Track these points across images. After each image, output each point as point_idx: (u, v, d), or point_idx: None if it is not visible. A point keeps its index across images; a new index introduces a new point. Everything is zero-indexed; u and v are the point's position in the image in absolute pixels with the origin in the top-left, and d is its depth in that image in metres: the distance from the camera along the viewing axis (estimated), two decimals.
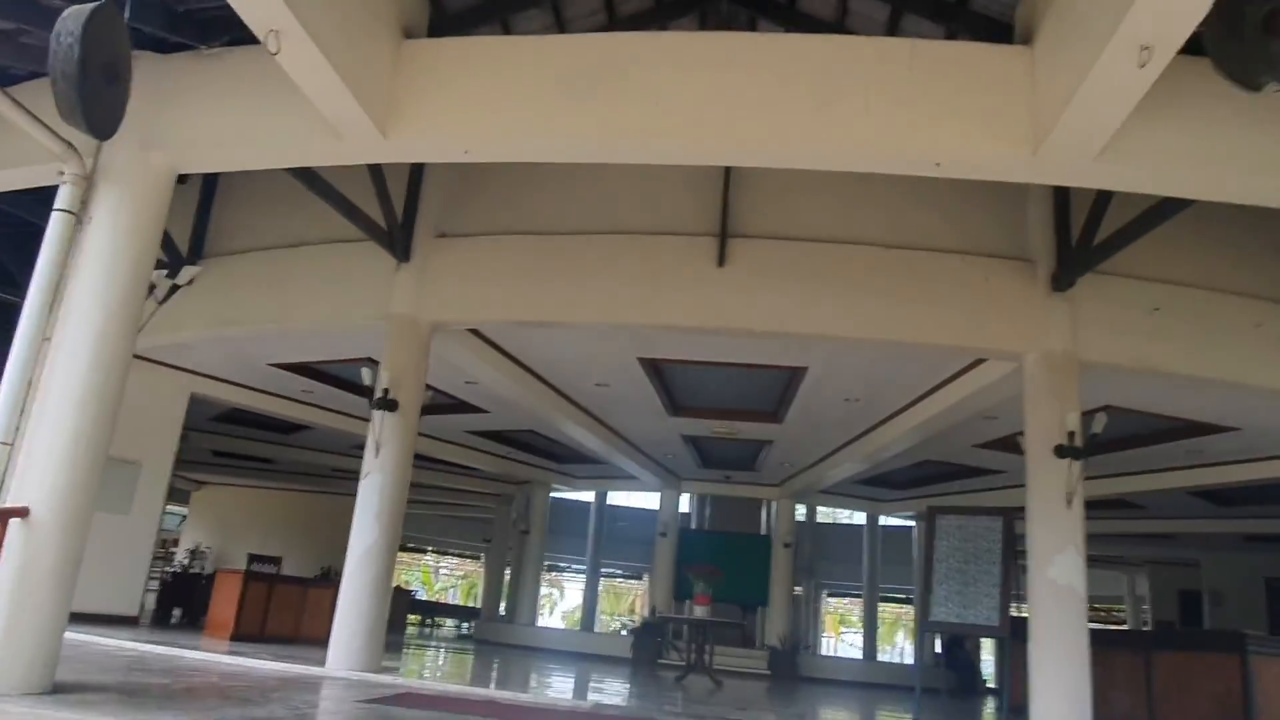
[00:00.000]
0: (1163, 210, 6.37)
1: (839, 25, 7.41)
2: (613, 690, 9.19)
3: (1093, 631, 7.05)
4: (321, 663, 7.26)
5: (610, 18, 7.71)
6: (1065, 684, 6.59)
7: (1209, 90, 3.91)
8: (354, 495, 7.65)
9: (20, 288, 5.71)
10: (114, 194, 5.14)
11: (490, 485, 19.34)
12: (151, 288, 5.80)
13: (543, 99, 5.14)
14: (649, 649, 14.85)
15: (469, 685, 7.13)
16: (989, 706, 12.81)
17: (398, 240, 7.99)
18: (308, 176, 7.02)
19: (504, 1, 6.65)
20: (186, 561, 19.36)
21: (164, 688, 5.24)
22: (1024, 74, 4.79)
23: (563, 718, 6.04)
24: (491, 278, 8.04)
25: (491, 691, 6.87)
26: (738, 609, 16.45)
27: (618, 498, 22.75)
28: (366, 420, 7.78)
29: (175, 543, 22.30)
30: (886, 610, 24.54)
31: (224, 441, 16.37)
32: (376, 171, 7.36)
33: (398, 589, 23.47)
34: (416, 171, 8.31)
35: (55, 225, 4.90)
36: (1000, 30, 5.41)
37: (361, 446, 7.91)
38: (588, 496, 20.64)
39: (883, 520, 19.13)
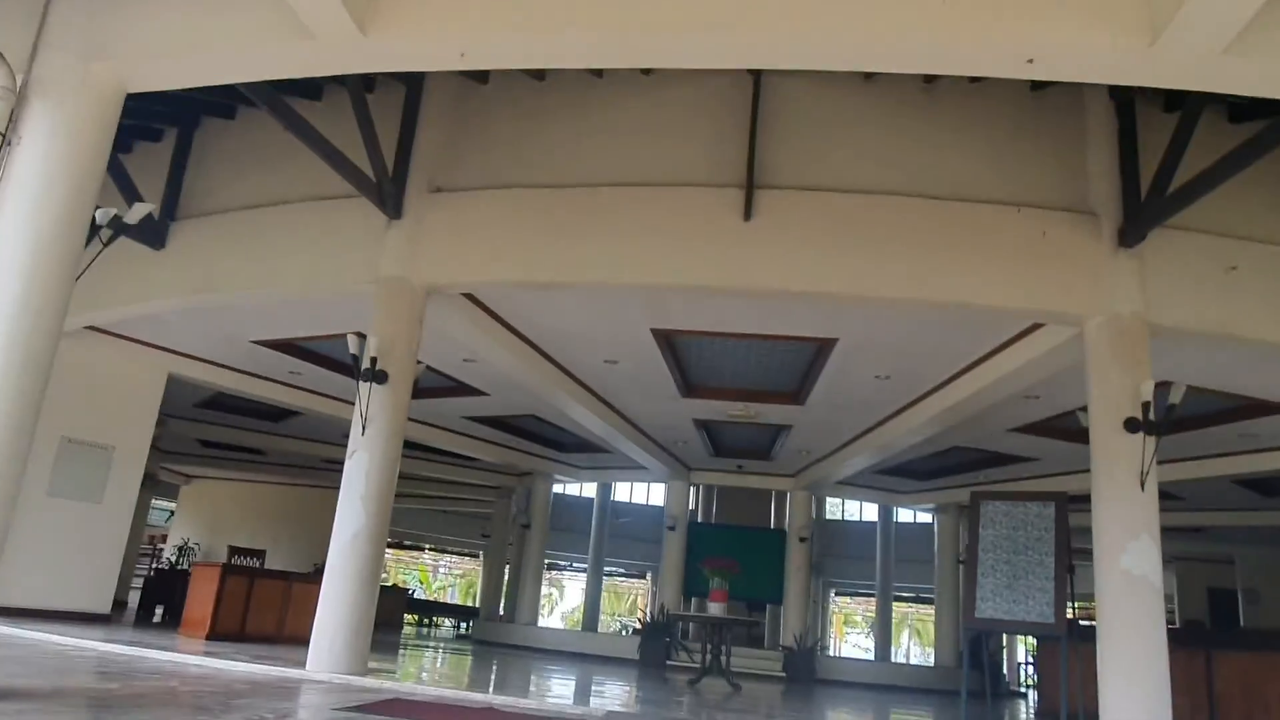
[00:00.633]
0: (1245, 153, 5.64)
1: None
2: (622, 695, 8.42)
3: None
4: (302, 664, 6.50)
5: None
6: (1143, 689, 5.82)
7: None
8: None
9: None
10: (49, 111, 4.49)
11: (490, 477, 18.69)
12: (96, 228, 5.03)
13: None
14: (657, 650, 14.20)
15: (465, 690, 6.36)
16: (1029, 711, 12.03)
17: (388, 195, 7.22)
18: (289, 115, 6.31)
19: None
20: (174, 558, 18.71)
21: (105, 694, 4.45)
22: None
23: None
24: (492, 235, 7.25)
25: (489, 697, 6.10)
26: (744, 607, 15.63)
27: (620, 493, 22.05)
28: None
29: (163, 539, 21.69)
30: (894, 610, 23.73)
31: (210, 430, 15.64)
32: (364, 113, 6.60)
33: (395, 588, 23.06)
34: (409, 115, 7.53)
35: None
36: None
37: None
38: (589, 491, 19.98)
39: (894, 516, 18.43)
